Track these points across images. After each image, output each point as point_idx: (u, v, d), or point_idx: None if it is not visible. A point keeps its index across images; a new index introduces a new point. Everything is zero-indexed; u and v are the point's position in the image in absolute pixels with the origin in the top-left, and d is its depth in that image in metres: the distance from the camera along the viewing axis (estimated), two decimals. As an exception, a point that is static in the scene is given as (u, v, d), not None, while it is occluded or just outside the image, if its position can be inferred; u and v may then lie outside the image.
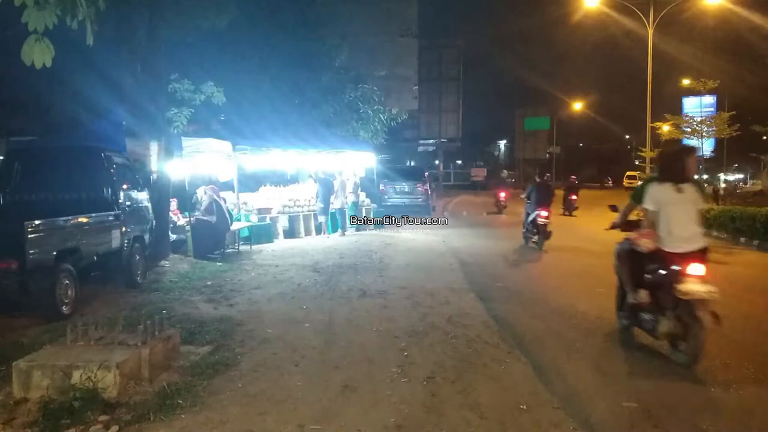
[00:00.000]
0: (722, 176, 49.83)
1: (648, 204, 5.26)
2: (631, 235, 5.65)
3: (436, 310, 6.91)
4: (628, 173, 48.69)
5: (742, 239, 13.92)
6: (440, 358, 5.13)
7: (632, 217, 5.93)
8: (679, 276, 4.92)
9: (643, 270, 5.38)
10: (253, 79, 14.44)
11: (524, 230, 13.17)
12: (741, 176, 64.24)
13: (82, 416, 3.78)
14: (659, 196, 5.20)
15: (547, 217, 12.34)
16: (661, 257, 5.15)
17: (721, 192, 31.86)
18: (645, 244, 5.31)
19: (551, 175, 33.81)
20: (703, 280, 4.87)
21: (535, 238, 12.60)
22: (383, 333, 5.98)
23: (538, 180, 13.62)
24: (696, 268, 4.91)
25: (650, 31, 23.13)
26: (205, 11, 9.81)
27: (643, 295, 5.33)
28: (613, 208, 6.35)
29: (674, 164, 5.30)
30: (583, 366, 5.08)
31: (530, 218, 12.70)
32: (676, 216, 5.11)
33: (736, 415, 4.15)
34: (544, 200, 12.57)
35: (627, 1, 23.47)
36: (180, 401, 4.07)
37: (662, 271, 5.14)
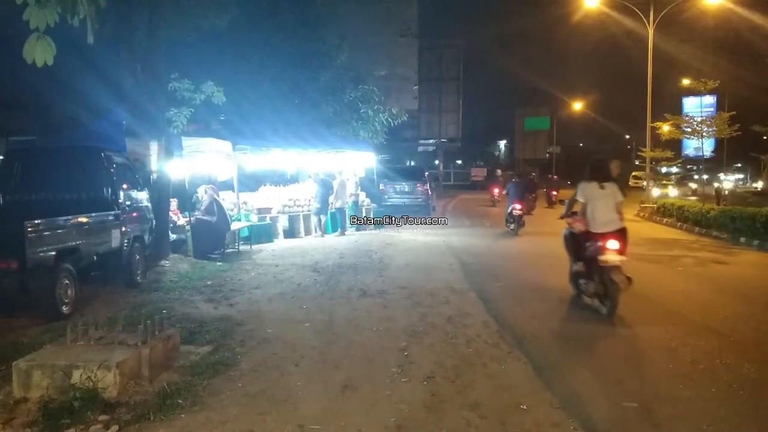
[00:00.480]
0: (722, 176, 49.66)
1: (579, 197, 6.94)
2: (569, 220, 7.27)
3: (436, 310, 6.91)
4: (634, 173, 48.47)
5: (742, 239, 13.90)
6: (440, 358, 5.13)
7: (575, 208, 7.31)
8: (601, 249, 6.46)
9: (582, 247, 6.89)
10: (253, 79, 14.44)
11: (505, 220, 16.03)
12: (741, 176, 64.05)
13: (82, 416, 3.78)
14: (587, 191, 6.85)
15: (520, 209, 15.20)
16: (589, 237, 6.75)
17: (725, 193, 31.47)
18: (577, 227, 7.00)
19: (536, 175, 38.47)
20: (618, 252, 6.41)
21: (513, 225, 15.35)
22: (383, 333, 5.98)
23: (516, 179, 17.63)
24: (612, 244, 6.43)
25: (650, 31, 23.12)
26: (205, 11, 9.82)
27: (580, 266, 6.98)
28: (563, 202, 8.09)
29: (599, 168, 7.03)
30: (585, 366, 5.09)
31: (508, 210, 15.60)
32: (599, 206, 6.75)
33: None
34: (518, 195, 15.46)
35: (627, 1, 23.46)
36: (180, 401, 4.06)
37: (590, 247, 6.66)
